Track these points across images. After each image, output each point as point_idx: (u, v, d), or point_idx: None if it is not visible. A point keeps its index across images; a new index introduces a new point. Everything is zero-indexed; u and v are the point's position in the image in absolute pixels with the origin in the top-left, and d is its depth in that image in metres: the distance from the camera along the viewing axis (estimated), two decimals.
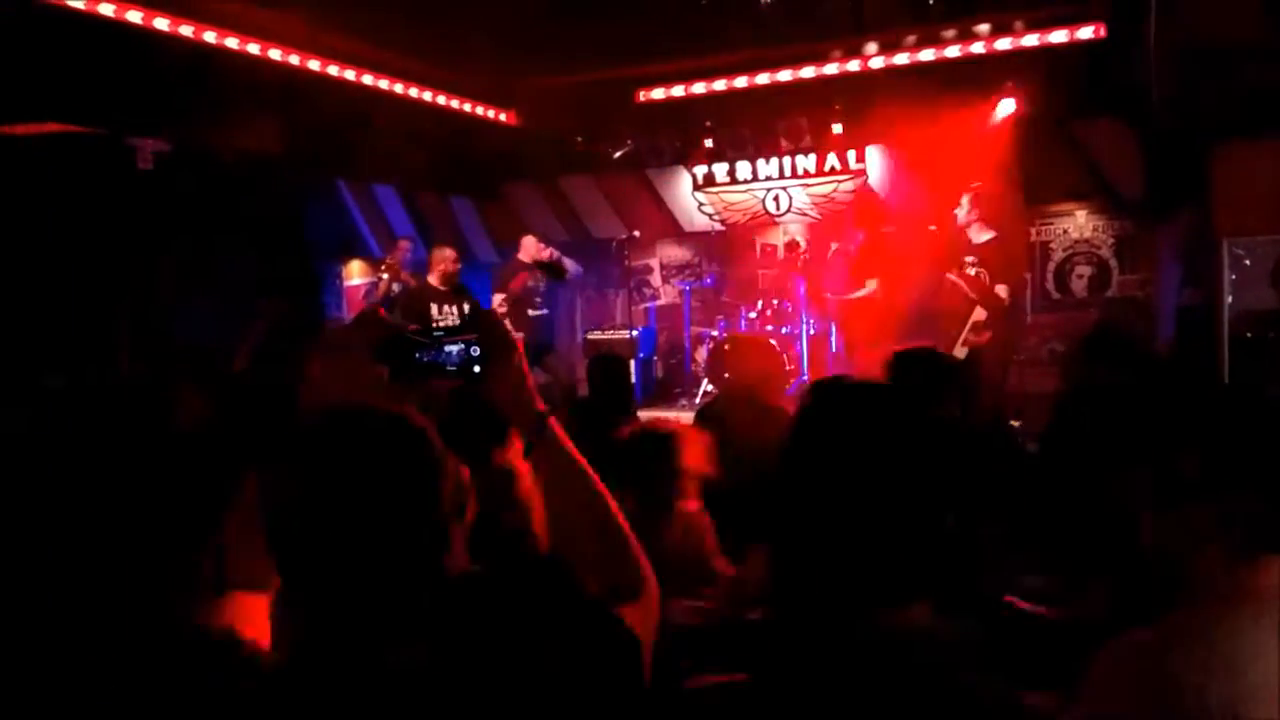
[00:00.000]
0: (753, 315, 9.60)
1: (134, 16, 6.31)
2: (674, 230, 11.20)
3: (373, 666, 1.14)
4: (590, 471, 1.27)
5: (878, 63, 8.67)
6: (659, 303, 11.51)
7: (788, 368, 8.64)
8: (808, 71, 8.90)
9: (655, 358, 10.97)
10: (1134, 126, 8.32)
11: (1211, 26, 6.82)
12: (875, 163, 10.00)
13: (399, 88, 8.46)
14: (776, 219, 10.72)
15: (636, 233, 10.50)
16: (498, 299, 8.67)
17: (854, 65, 8.76)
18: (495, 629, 1.22)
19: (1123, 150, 8.65)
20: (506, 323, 6.91)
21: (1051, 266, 9.63)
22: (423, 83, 8.66)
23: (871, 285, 7.63)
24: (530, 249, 8.89)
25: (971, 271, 6.72)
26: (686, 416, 8.57)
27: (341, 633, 1.18)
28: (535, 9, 7.25)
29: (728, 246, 11.12)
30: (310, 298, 8.91)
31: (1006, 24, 8.20)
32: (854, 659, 1.43)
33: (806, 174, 10.21)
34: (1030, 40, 8.13)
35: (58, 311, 5.89)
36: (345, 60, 7.88)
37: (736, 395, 4.67)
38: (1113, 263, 9.44)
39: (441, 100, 8.95)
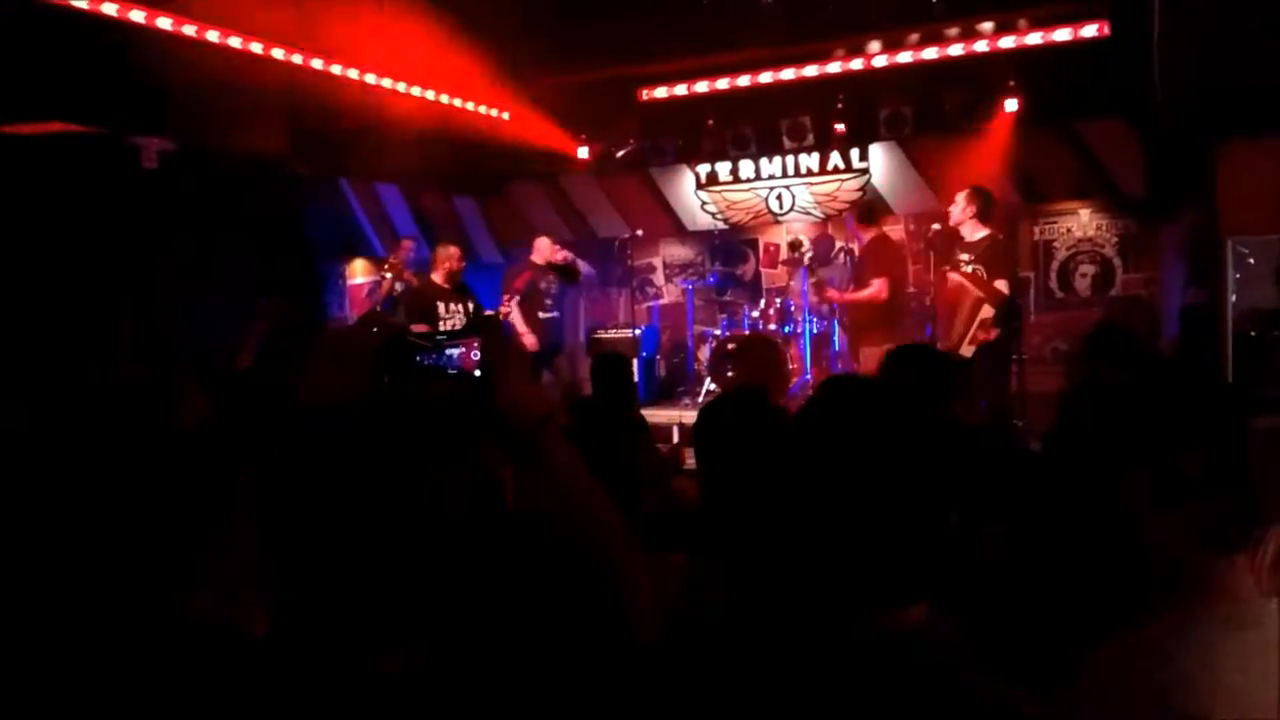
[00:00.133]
0: (755, 314, 9.60)
1: (137, 16, 6.32)
2: (677, 229, 11.20)
3: (368, 665, 1.14)
4: (589, 472, 1.27)
5: (881, 61, 8.67)
6: (662, 302, 11.51)
7: (790, 367, 8.64)
8: (811, 70, 8.89)
9: (658, 357, 10.96)
10: (1137, 125, 8.31)
11: (1215, 24, 6.81)
12: (878, 161, 9.99)
13: (402, 87, 8.47)
14: (779, 218, 10.71)
15: (639, 231, 10.50)
16: (508, 301, 8.68)
17: (857, 64, 8.76)
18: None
19: (1126, 149, 8.65)
20: (519, 323, 6.91)
21: (1055, 265, 9.62)
22: (426, 82, 8.67)
23: (876, 284, 7.62)
24: (544, 250, 8.90)
25: (969, 269, 6.71)
26: (689, 415, 8.62)
27: (338, 630, 1.18)
28: (539, 8, 7.26)
29: (731, 245, 11.13)
30: (313, 297, 8.92)
31: (1010, 22, 8.20)
32: (854, 659, 1.42)
33: (810, 173, 10.20)
34: (1033, 38, 8.13)
35: (60, 311, 5.90)
36: (348, 59, 7.88)
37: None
38: (1116, 261, 9.43)
39: (445, 99, 8.96)
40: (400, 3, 7.18)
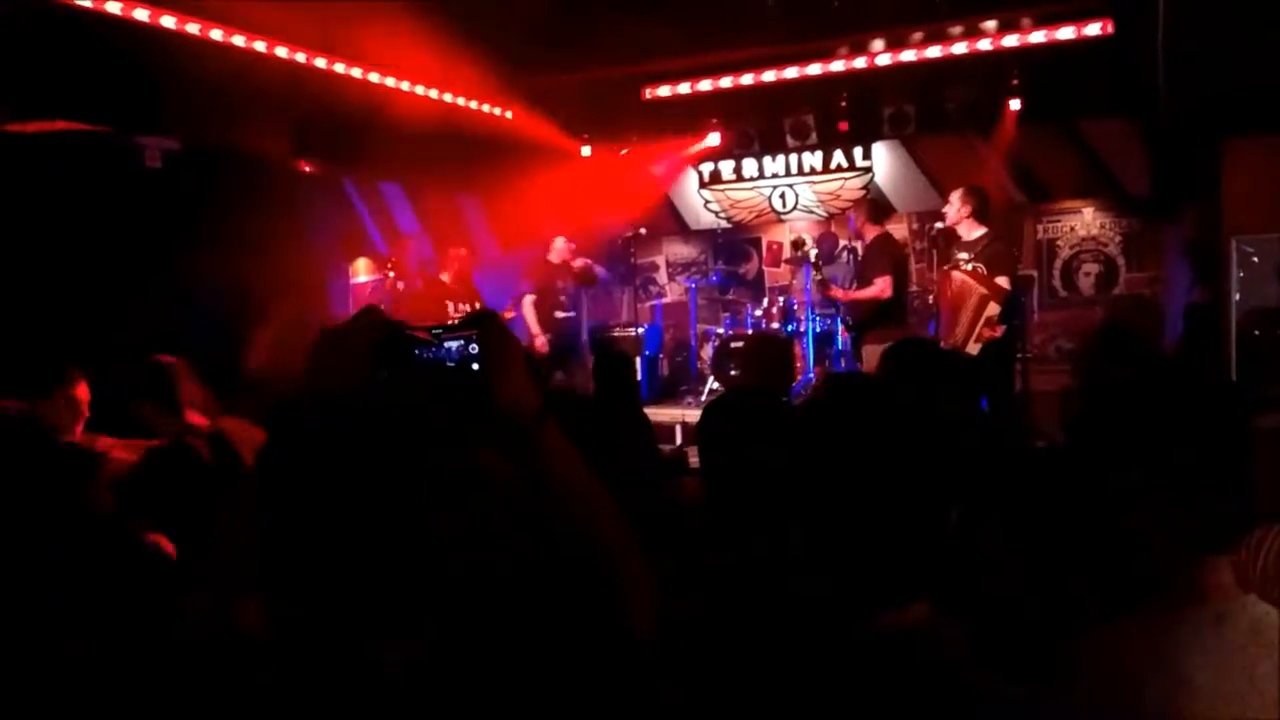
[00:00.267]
0: (758, 313, 9.60)
1: (141, 14, 6.32)
2: (680, 227, 11.20)
3: (367, 662, 1.14)
4: (588, 470, 1.27)
5: (884, 59, 8.66)
6: (665, 300, 11.51)
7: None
8: (814, 68, 8.89)
9: (661, 355, 10.97)
10: (1141, 123, 8.30)
11: (1220, 23, 6.80)
12: (881, 160, 9.98)
13: (406, 85, 8.47)
14: (783, 217, 10.71)
15: (643, 230, 10.51)
16: (528, 300, 8.71)
17: (860, 62, 8.76)
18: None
19: (1130, 147, 8.64)
20: (532, 324, 6.93)
21: (1058, 264, 9.61)
22: (429, 80, 8.67)
23: (880, 283, 7.62)
24: (561, 250, 8.94)
25: (968, 267, 6.71)
26: (692, 414, 8.63)
27: (337, 626, 1.18)
28: (542, 7, 7.26)
29: (734, 244, 11.13)
30: (317, 295, 8.93)
31: (1013, 20, 8.18)
32: (854, 657, 1.43)
33: (813, 171, 10.20)
34: (1037, 37, 8.11)
35: (65, 309, 5.91)
36: (352, 58, 7.89)
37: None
38: (1120, 260, 9.42)
39: (448, 97, 8.96)
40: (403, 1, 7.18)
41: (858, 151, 10.02)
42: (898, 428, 1.51)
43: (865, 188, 10.05)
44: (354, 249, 9.86)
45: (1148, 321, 8.69)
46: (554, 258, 8.93)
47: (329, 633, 1.19)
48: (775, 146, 10.04)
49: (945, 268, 7.15)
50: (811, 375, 8.75)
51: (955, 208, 6.89)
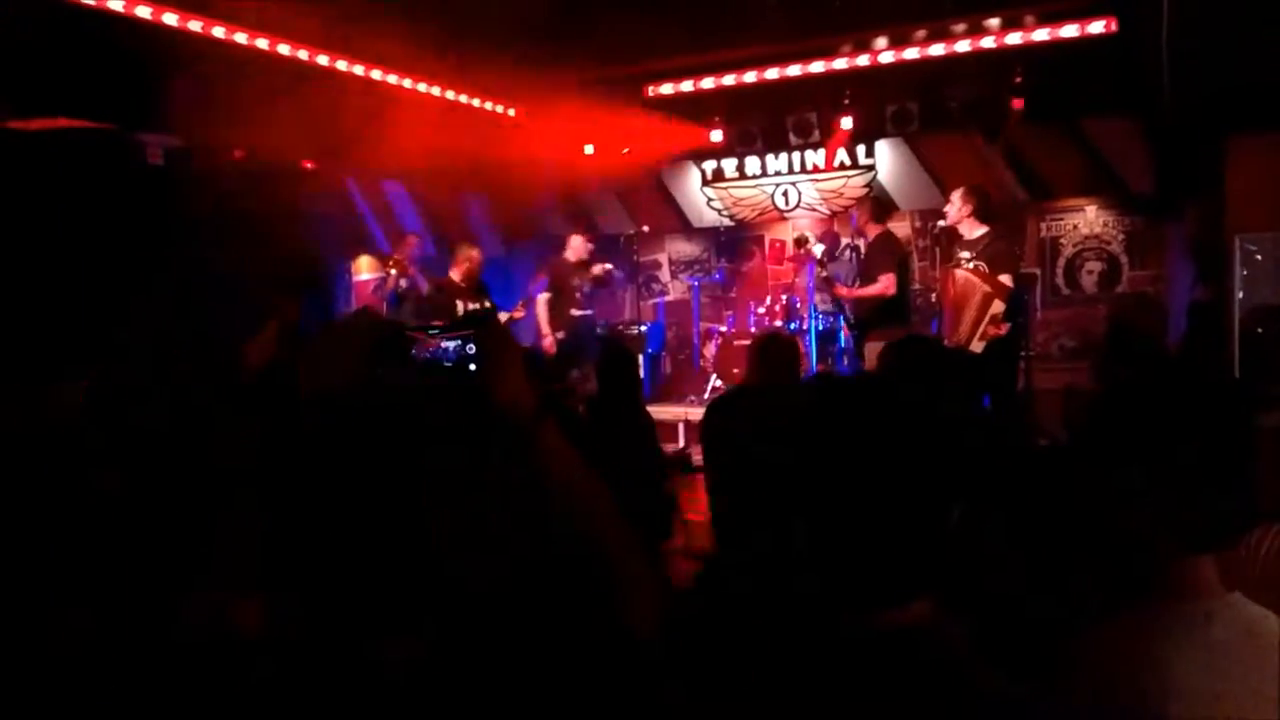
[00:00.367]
0: (761, 311, 9.59)
1: (143, 12, 6.33)
2: (683, 225, 11.20)
3: (367, 658, 1.14)
4: (587, 469, 1.27)
5: (887, 57, 8.65)
6: (668, 298, 11.51)
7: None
8: (817, 66, 8.88)
9: (664, 353, 10.96)
10: (1145, 122, 8.28)
11: (1224, 21, 6.79)
12: (884, 158, 9.97)
13: (408, 83, 8.47)
14: (785, 214, 10.70)
15: (645, 228, 10.50)
16: (542, 299, 8.75)
17: (863, 60, 8.75)
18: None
19: (1133, 145, 8.63)
20: (543, 323, 6.98)
21: (1061, 262, 9.60)
22: (432, 78, 8.67)
23: (884, 280, 7.62)
24: (577, 248, 8.97)
25: (970, 265, 6.71)
26: (695, 412, 8.63)
27: (337, 623, 1.18)
28: (545, 4, 7.25)
29: (736, 242, 11.12)
30: (320, 293, 8.93)
31: (1017, 18, 8.17)
32: (857, 655, 1.42)
33: (816, 169, 10.20)
34: (1040, 35, 8.10)
35: (66, 307, 5.91)
36: (355, 56, 7.89)
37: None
38: (1123, 258, 9.40)
39: (451, 95, 8.96)
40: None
41: (861, 149, 10.01)
42: (901, 426, 1.50)
43: (868, 185, 10.04)
44: (356, 247, 9.87)
45: (1151, 319, 8.69)
46: (570, 255, 8.97)
47: (330, 632, 1.19)
48: (778, 144, 10.04)
49: (947, 266, 7.15)
50: (815, 373, 8.75)
51: (956, 207, 6.90)
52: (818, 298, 8.99)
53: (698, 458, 5.04)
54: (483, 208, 11.26)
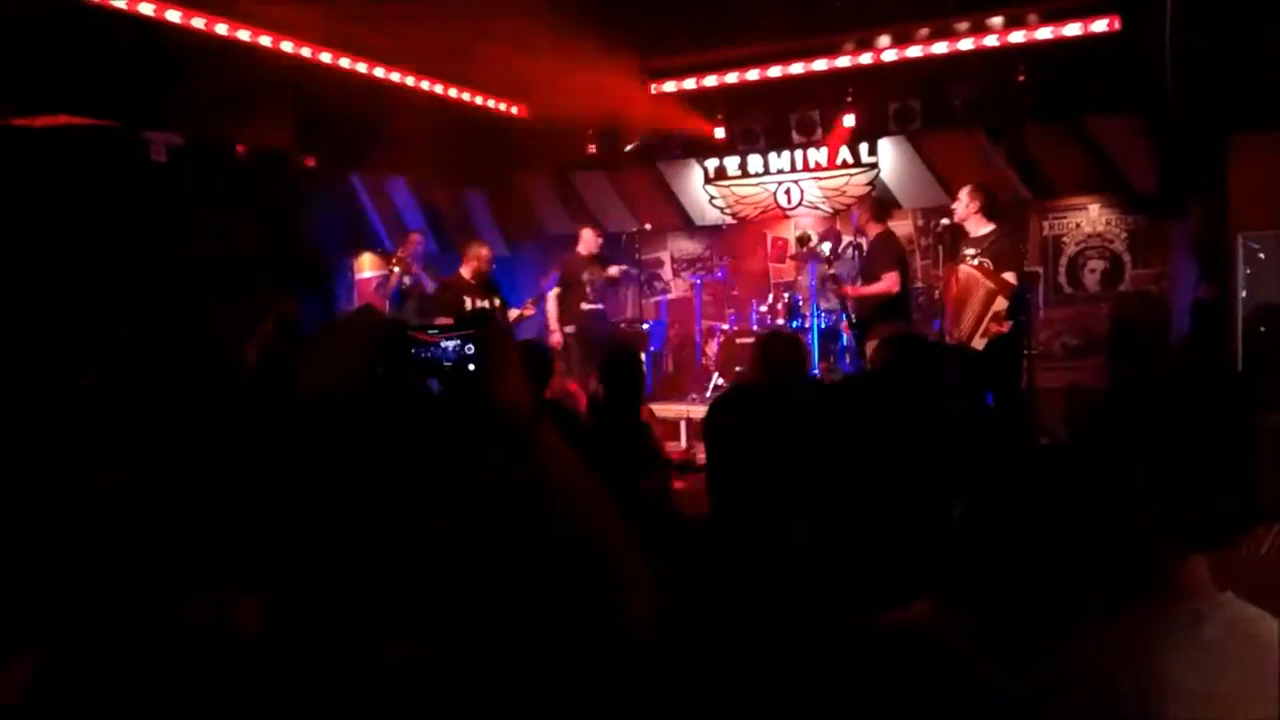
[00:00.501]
0: (763, 309, 9.59)
1: (146, 9, 6.33)
2: (685, 223, 11.19)
3: (367, 658, 1.14)
4: (585, 470, 1.27)
5: (890, 56, 8.65)
6: (670, 296, 11.50)
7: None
8: (820, 64, 8.87)
9: (666, 351, 10.96)
10: (1148, 120, 8.27)
11: (1227, 19, 6.78)
12: (887, 156, 9.97)
13: (411, 80, 8.48)
14: (788, 212, 10.70)
15: (648, 226, 10.49)
16: (552, 295, 8.79)
17: (866, 58, 8.74)
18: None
19: (1136, 144, 8.61)
20: (551, 319, 7.04)
21: (1064, 261, 9.59)
22: (435, 76, 8.67)
23: (888, 278, 7.62)
24: (589, 242, 9.01)
25: (975, 262, 6.71)
26: (697, 410, 8.63)
27: (337, 622, 1.18)
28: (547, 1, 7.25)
29: (739, 240, 11.11)
30: (321, 291, 8.94)
31: (1020, 17, 8.16)
32: (858, 654, 1.42)
33: (818, 167, 10.19)
34: (1044, 33, 8.09)
35: (68, 304, 5.92)
36: (358, 53, 7.89)
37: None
38: (1125, 257, 9.39)
39: (454, 93, 8.96)
40: None
41: (863, 147, 10.00)
42: (902, 425, 1.51)
43: (871, 184, 10.03)
44: (359, 244, 9.87)
45: (1154, 318, 8.68)
46: (582, 249, 9.00)
47: (330, 631, 1.19)
48: (780, 142, 10.03)
49: (950, 264, 7.15)
50: (817, 371, 8.74)
51: (964, 204, 6.91)
52: (820, 296, 8.99)
53: (701, 456, 5.03)
54: (485, 206, 11.27)
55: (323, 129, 8.14)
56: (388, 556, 1.21)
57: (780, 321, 9.21)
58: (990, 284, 6.58)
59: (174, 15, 6.49)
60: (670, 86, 9.42)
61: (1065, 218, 9.59)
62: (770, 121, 9.82)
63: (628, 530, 1.26)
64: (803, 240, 9.57)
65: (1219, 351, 7.38)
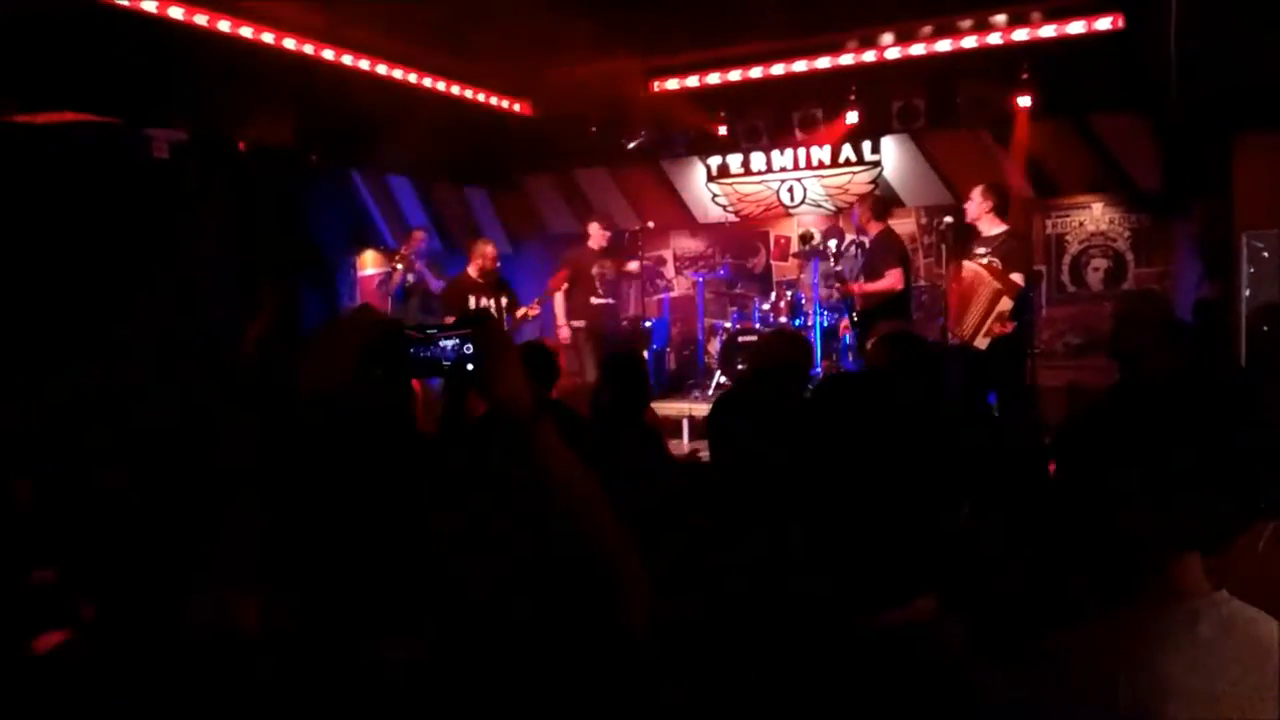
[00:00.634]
0: (766, 307, 9.58)
1: (148, 5, 6.34)
2: (688, 221, 11.19)
3: (367, 658, 1.15)
4: (584, 468, 1.27)
5: (894, 53, 8.64)
6: (672, 294, 11.50)
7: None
8: (823, 62, 8.87)
9: (668, 349, 10.96)
10: (1152, 118, 8.26)
11: (1231, 18, 6.77)
12: (890, 154, 9.96)
13: (414, 78, 8.47)
14: (790, 210, 10.69)
15: (650, 224, 10.49)
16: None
17: (869, 56, 8.73)
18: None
19: (1140, 142, 8.60)
20: (560, 315, 7.09)
21: (1067, 259, 9.57)
22: (438, 73, 8.67)
23: (891, 275, 7.62)
24: (598, 236, 9.03)
25: (984, 261, 6.71)
26: (699, 408, 8.63)
27: (336, 628, 1.18)
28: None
29: (741, 238, 11.11)
30: (323, 288, 8.95)
31: (1024, 15, 8.15)
32: (857, 655, 1.42)
33: (821, 165, 10.18)
34: (1048, 31, 8.08)
35: (70, 302, 5.92)
36: (360, 50, 7.90)
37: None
38: (1129, 255, 9.38)
39: (456, 90, 8.96)
40: None
41: (866, 145, 9.99)
42: (900, 425, 1.50)
43: (874, 182, 10.02)
44: (361, 241, 9.88)
45: (1157, 316, 8.67)
46: (593, 243, 9.02)
47: (329, 632, 1.19)
48: (783, 140, 10.03)
49: (955, 262, 7.14)
50: (819, 370, 8.74)
51: (976, 203, 6.89)
52: (823, 294, 8.98)
53: (704, 454, 5.03)
54: (487, 204, 11.27)
55: (325, 126, 8.14)
56: (388, 556, 1.21)
57: (783, 319, 9.21)
58: (997, 284, 6.58)
59: (176, 12, 6.50)
60: (673, 84, 9.41)
61: (1068, 216, 9.58)
62: (773, 119, 9.81)
63: (627, 530, 1.26)
64: (806, 239, 9.57)
65: (1222, 351, 7.37)
